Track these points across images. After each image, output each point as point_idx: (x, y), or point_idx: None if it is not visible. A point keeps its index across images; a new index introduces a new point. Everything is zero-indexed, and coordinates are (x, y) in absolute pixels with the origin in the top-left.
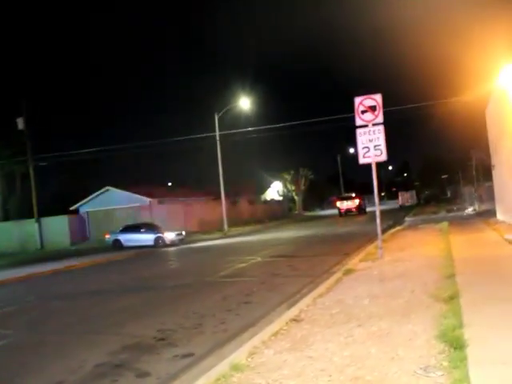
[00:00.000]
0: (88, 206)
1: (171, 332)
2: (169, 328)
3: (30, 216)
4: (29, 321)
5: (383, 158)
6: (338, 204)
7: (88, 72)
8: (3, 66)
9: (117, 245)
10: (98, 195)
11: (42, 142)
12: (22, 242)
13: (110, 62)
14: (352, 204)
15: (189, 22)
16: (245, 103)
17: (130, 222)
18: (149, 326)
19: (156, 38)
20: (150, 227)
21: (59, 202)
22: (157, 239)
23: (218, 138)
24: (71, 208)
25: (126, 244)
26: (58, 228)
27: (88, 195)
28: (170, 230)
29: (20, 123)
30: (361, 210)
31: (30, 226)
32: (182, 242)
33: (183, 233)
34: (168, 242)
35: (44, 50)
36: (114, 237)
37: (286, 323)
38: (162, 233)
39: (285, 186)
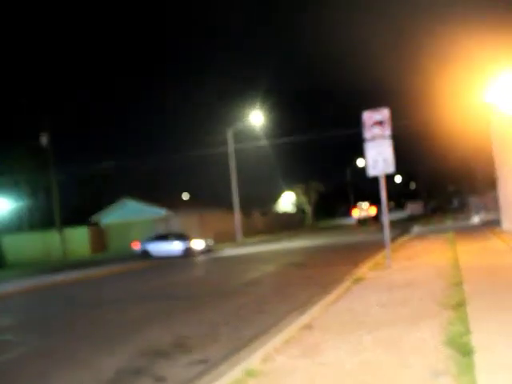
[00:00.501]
0: (106, 217)
1: (187, 339)
2: (185, 335)
3: (53, 227)
4: (48, 329)
5: (391, 170)
6: (355, 213)
7: (107, 84)
8: (28, 81)
9: (146, 254)
10: (116, 207)
11: (64, 154)
12: (45, 251)
13: (126, 76)
14: (367, 213)
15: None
16: (257, 117)
17: (147, 233)
18: (165, 334)
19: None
20: (180, 237)
21: (79, 214)
22: (186, 249)
23: (231, 152)
24: (90, 219)
25: (154, 254)
26: (78, 238)
27: (106, 207)
28: (199, 239)
29: (43, 139)
30: (377, 218)
31: (52, 237)
32: (209, 251)
33: (210, 242)
34: (196, 252)
35: (64, 64)
36: (142, 247)
37: (298, 330)
38: (191, 242)
39: (297, 197)
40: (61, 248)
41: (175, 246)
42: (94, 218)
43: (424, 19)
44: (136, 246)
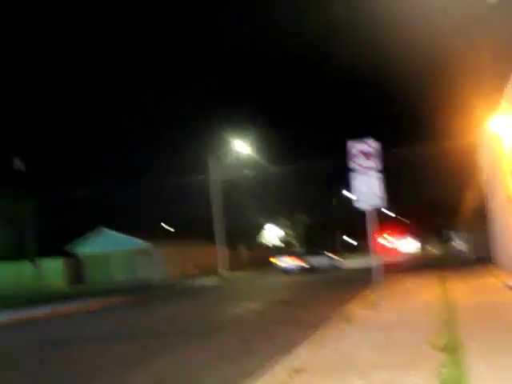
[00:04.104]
0: (82, 247)
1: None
2: (165, 378)
3: (23, 256)
4: (12, 372)
5: (380, 205)
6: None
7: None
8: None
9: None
10: (92, 236)
11: (38, 178)
12: (17, 283)
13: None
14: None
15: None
16: (240, 146)
17: (127, 265)
18: (144, 375)
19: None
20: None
21: (54, 242)
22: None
23: (212, 181)
24: (66, 249)
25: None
26: (53, 270)
27: (82, 235)
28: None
29: (17, 163)
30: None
31: (24, 268)
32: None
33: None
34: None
35: (41, 89)
36: None
37: (286, 373)
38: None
39: (284, 231)
40: (34, 280)
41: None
42: (69, 247)
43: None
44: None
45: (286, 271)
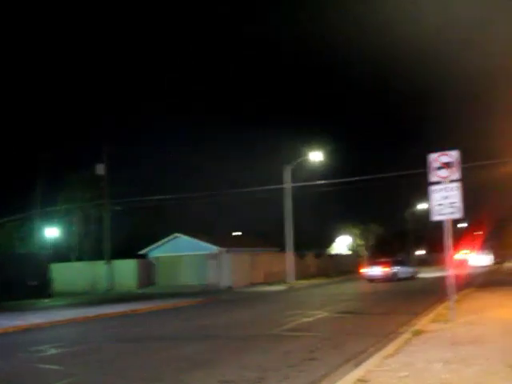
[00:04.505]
0: (156, 251)
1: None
2: (230, 379)
3: (102, 258)
4: (94, 361)
5: (459, 215)
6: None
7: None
8: (86, 112)
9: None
10: (167, 241)
11: (116, 186)
12: (92, 282)
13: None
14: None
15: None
16: (316, 155)
17: (198, 269)
18: (210, 376)
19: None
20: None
21: (130, 246)
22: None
23: (286, 191)
24: (140, 252)
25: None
26: (126, 271)
27: (157, 241)
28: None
29: (99, 169)
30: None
31: (100, 268)
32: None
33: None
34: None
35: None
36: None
37: (352, 383)
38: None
39: (354, 240)
40: (108, 280)
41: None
42: (145, 251)
43: None
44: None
45: (371, 279)
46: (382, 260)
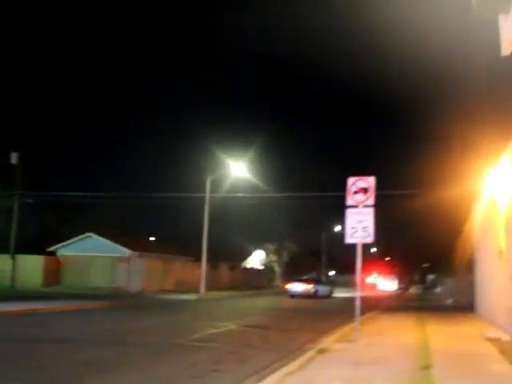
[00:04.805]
0: (67, 250)
1: None
2: None
3: (7, 252)
4: None
5: (370, 239)
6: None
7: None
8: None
9: None
10: (79, 240)
11: (31, 178)
12: None
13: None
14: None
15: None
16: (238, 168)
17: (103, 272)
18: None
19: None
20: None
21: (39, 242)
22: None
23: (206, 200)
24: (50, 249)
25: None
26: (32, 268)
27: (68, 238)
28: None
29: (14, 157)
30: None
31: (3, 262)
32: None
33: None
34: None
35: (45, 84)
36: None
37: None
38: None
39: (267, 255)
40: (10, 276)
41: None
42: (55, 248)
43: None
44: None
45: (292, 295)
46: (305, 278)
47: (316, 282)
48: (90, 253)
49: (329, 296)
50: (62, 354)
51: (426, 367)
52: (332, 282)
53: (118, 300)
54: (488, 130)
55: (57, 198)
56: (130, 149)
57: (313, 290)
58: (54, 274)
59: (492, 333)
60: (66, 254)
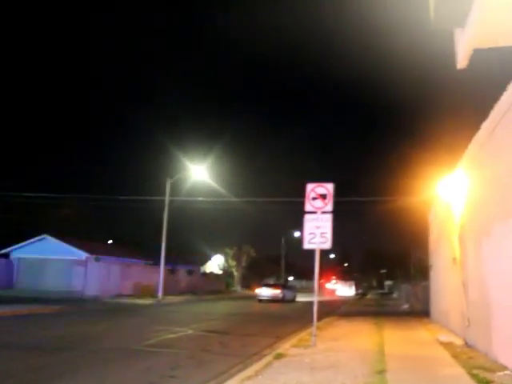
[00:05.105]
0: (21, 252)
1: None
2: None
3: None
4: None
5: (328, 245)
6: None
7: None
8: None
9: None
10: (34, 242)
11: None
12: None
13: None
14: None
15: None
16: (199, 172)
17: (59, 275)
18: None
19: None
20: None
21: None
22: None
23: (166, 203)
24: (2, 251)
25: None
26: None
27: (24, 240)
28: None
29: None
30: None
31: None
32: None
33: None
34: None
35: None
36: None
37: None
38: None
39: (226, 260)
40: None
41: None
42: (8, 250)
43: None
44: None
45: (260, 299)
46: (272, 283)
47: (283, 287)
48: (46, 255)
49: (293, 300)
50: (11, 360)
51: (381, 372)
52: (294, 287)
53: (74, 304)
54: (445, 140)
55: (13, 199)
56: (91, 148)
57: (281, 295)
58: (7, 276)
59: (445, 337)
60: (20, 256)
